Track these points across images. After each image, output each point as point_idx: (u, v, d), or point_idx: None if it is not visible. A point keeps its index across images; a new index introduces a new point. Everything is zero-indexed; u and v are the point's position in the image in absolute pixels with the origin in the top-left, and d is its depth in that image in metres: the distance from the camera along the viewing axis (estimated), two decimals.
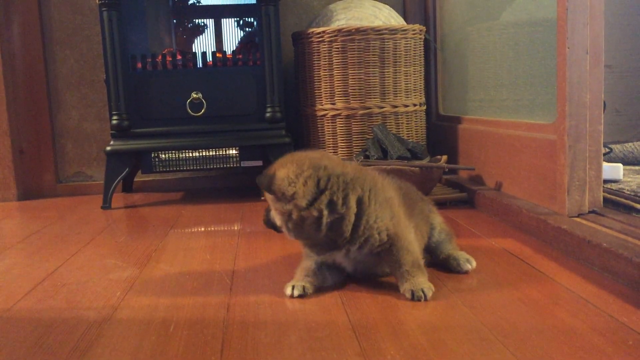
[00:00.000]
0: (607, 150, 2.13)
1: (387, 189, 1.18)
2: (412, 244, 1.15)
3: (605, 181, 1.70)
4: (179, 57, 2.25)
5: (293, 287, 1.15)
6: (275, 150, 2.17)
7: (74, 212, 2.15)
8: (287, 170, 1.10)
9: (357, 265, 1.19)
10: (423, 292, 1.11)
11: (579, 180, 1.46)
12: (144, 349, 0.95)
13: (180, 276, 1.32)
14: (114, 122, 2.15)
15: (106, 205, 2.18)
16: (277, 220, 1.15)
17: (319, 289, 1.18)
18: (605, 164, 1.67)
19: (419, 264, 1.14)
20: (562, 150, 1.47)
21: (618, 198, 1.53)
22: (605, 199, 1.50)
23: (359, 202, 1.12)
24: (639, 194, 1.54)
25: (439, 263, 1.31)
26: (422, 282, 1.12)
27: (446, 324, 0.99)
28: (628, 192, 1.58)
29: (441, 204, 1.89)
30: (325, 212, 1.10)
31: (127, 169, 2.20)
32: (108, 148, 2.18)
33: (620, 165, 1.81)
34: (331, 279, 1.20)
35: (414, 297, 1.10)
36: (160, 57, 2.23)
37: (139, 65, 2.20)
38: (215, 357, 0.90)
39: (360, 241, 1.12)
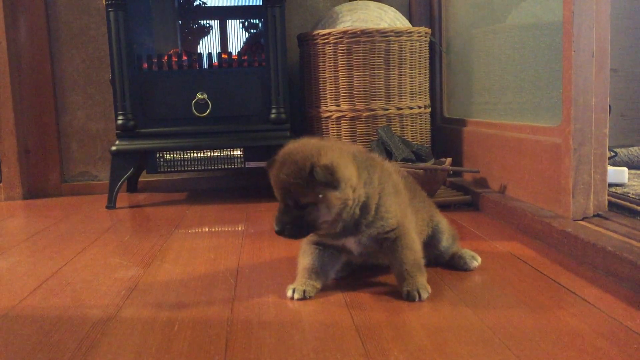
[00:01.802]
0: (612, 153, 2.13)
1: (392, 172, 1.19)
2: (415, 242, 1.16)
3: (610, 185, 1.70)
4: (184, 57, 2.26)
5: (294, 290, 1.14)
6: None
7: (78, 212, 2.16)
8: (332, 156, 1.05)
9: (363, 250, 1.17)
10: (418, 292, 1.11)
11: (583, 184, 1.46)
12: (148, 347, 0.95)
13: (184, 276, 1.33)
14: (120, 122, 2.16)
15: (111, 204, 2.19)
16: (330, 214, 1.06)
17: (322, 287, 1.18)
18: (610, 168, 1.67)
19: (419, 264, 1.15)
20: (567, 153, 1.46)
21: (623, 202, 1.53)
22: (610, 203, 1.50)
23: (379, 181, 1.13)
24: None
25: (444, 263, 1.31)
26: (419, 282, 1.13)
27: (450, 325, 0.99)
28: (633, 196, 1.57)
29: (445, 207, 1.89)
30: (363, 191, 1.09)
31: (132, 169, 2.20)
32: (113, 148, 2.18)
33: (625, 169, 1.80)
34: (333, 273, 1.20)
35: (409, 297, 1.11)
36: (166, 58, 2.23)
37: (145, 65, 2.21)
38: (219, 356, 0.91)
39: (377, 225, 1.12)
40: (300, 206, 1.06)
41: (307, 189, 1.04)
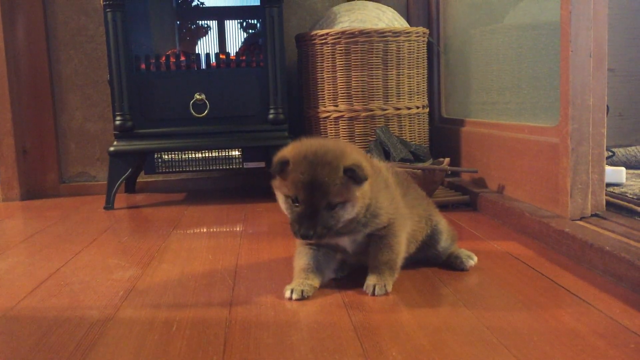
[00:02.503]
0: (610, 153, 2.13)
1: (381, 168, 1.22)
2: (400, 244, 1.18)
3: (608, 185, 1.70)
4: (182, 58, 2.26)
5: (292, 291, 1.14)
6: (278, 151, 2.17)
7: (76, 212, 2.16)
8: (356, 155, 1.10)
9: (357, 248, 1.19)
10: (374, 287, 1.14)
11: (581, 184, 1.46)
12: (146, 348, 0.95)
13: (182, 276, 1.32)
14: (118, 122, 2.16)
15: (109, 205, 2.18)
16: (353, 213, 1.09)
17: (320, 287, 1.18)
18: (608, 168, 1.67)
19: (392, 264, 1.17)
20: (565, 153, 1.47)
21: (621, 201, 1.53)
22: (607, 203, 1.50)
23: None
24: None
25: (441, 263, 1.31)
26: (382, 279, 1.15)
27: (448, 325, 0.99)
28: (631, 196, 1.57)
29: (443, 207, 1.89)
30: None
31: (130, 170, 2.20)
32: (111, 148, 2.18)
33: (623, 168, 1.81)
34: (329, 272, 1.21)
35: (366, 289, 1.15)
36: (164, 58, 2.23)
37: (143, 66, 2.21)
38: (218, 357, 0.90)
39: (372, 223, 1.14)
40: (331, 206, 1.07)
41: (342, 188, 1.06)
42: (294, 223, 1.08)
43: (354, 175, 1.06)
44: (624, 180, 1.78)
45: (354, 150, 1.13)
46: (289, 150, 1.11)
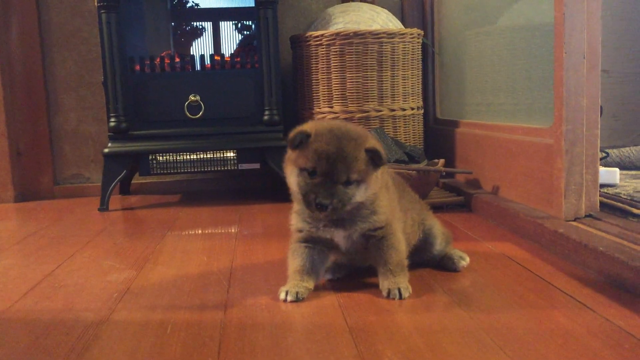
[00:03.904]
0: (604, 154, 2.14)
1: (383, 171, 1.20)
2: (401, 242, 1.17)
3: (602, 185, 1.71)
4: (177, 59, 2.25)
5: (287, 293, 1.14)
6: (273, 152, 2.17)
7: (71, 214, 2.15)
8: (374, 140, 1.10)
9: (350, 246, 1.17)
10: (399, 291, 1.12)
11: (575, 184, 1.47)
12: (141, 350, 0.95)
13: (177, 278, 1.32)
14: (112, 124, 2.15)
15: (103, 207, 2.18)
16: (364, 195, 1.09)
17: (315, 289, 1.18)
18: (602, 169, 1.67)
19: (402, 264, 1.16)
20: (559, 154, 1.47)
21: (614, 202, 1.53)
22: (601, 203, 1.51)
23: None
24: (635, 198, 1.55)
25: (435, 264, 1.32)
26: (401, 281, 1.14)
27: (443, 326, 0.99)
28: (624, 197, 1.58)
29: (438, 208, 1.89)
30: None
31: (124, 171, 2.20)
32: (106, 150, 2.18)
33: (617, 169, 1.81)
34: (323, 271, 1.21)
35: (389, 296, 1.13)
36: (158, 60, 2.23)
37: (137, 67, 2.21)
38: (212, 359, 0.90)
39: (370, 219, 1.13)
40: (349, 182, 1.06)
41: (363, 165, 1.06)
42: (309, 193, 1.05)
43: (375, 157, 1.07)
44: (617, 181, 1.79)
45: (372, 136, 1.14)
46: (309, 126, 1.10)
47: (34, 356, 0.94)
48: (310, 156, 1.06)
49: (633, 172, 2.07)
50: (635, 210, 1.45)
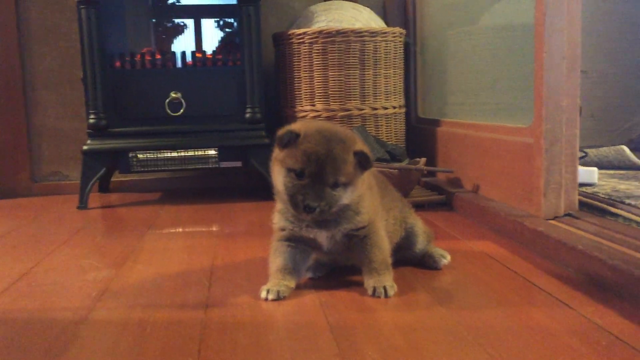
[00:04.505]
0: (583, 154, 2.17)
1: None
2: (384, 241, 1.17)
3: (581, 185, 1.72)
4: (158, 56, 2.23)
5: (268, 291, 1.13)
6: (255, 151, 2.17)
7: (49, 212, 2.12)
8: (361, 143, 1.10)
9: (332, 246, 1.17)
10: (385, 289, 1.12)
11: (555, 183, 1.48)
12: (120, 350, 0.94)
13: (157, 277, 1.31)
14: (91, 121, 2.13)
15: (82, 205, 2.15)
16: (350, 198, 1.09)
17: (297, 287, 1.17)
18: (580, 168, 1.69)
19: (387, 262, 1.16)
20: (539, 153, 1.48)
21: (593, 201, 1.55)
22: (580, 202, 1.53)
23: None
24: (613, 197, 1.57)
25: (416, 262, 1.32)
26: (386, 280, 1.14)
27: (424, 324, 1.00)
28: (602, 196, 1.60)
29: (419, 206, 1.90)
30: None
31: (104, 169, 2.17)
32: (85, 147, 2.15)
33: (596, 169, 1.83)
34: (304, 270, 1.21)
35: (375, 294, 1.12)
36: (139, 56, 2.21)
37: (118, 64, 2.18)
38: (193, 358, 0.90)
39: (354, 220, 1.13)
40: (337, 184, 1.06)
41: (351, 168, 1.06)
42: (296, 195, 1.05)
43: (363, 160, 1.07)
44: (596, 181, 1.81)
45: (359, 139, 1.14)
46: (298, 126, 1.09)
47: (10, 355, 0.92)
48: (299, 157, 1.05)
49: (611, 172, 2.10)
50: (613, 209, 1.47)
